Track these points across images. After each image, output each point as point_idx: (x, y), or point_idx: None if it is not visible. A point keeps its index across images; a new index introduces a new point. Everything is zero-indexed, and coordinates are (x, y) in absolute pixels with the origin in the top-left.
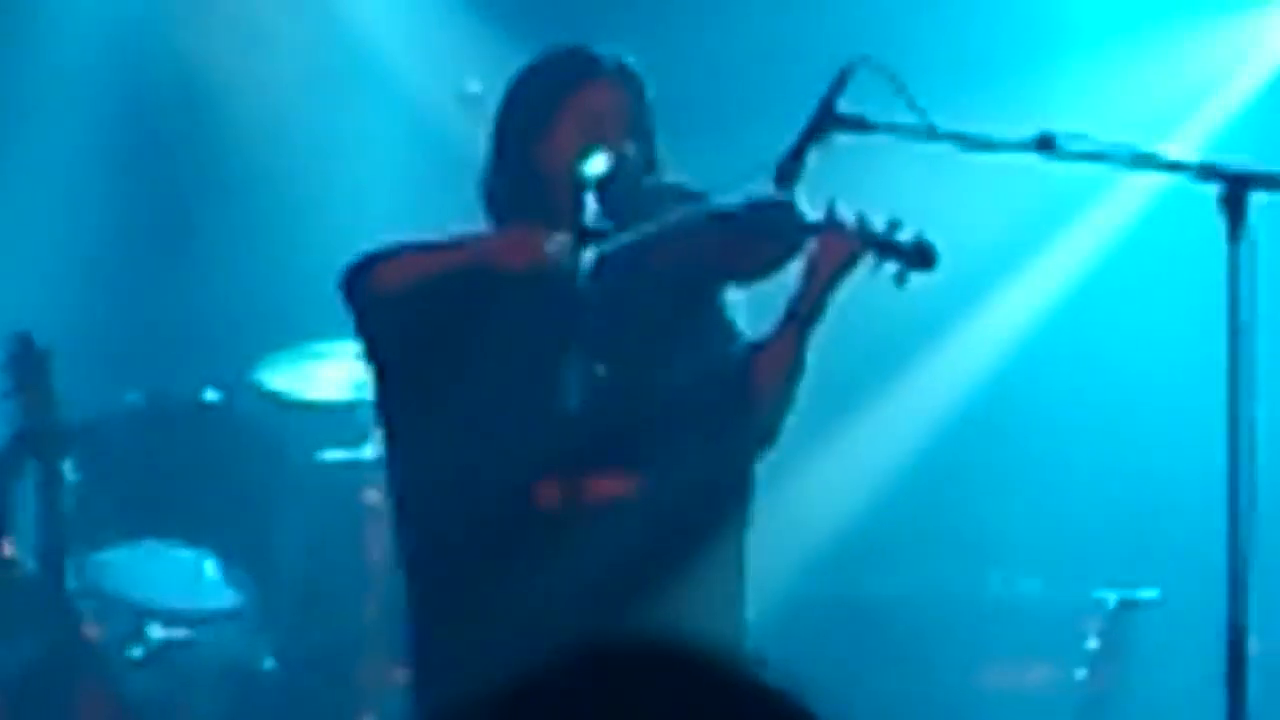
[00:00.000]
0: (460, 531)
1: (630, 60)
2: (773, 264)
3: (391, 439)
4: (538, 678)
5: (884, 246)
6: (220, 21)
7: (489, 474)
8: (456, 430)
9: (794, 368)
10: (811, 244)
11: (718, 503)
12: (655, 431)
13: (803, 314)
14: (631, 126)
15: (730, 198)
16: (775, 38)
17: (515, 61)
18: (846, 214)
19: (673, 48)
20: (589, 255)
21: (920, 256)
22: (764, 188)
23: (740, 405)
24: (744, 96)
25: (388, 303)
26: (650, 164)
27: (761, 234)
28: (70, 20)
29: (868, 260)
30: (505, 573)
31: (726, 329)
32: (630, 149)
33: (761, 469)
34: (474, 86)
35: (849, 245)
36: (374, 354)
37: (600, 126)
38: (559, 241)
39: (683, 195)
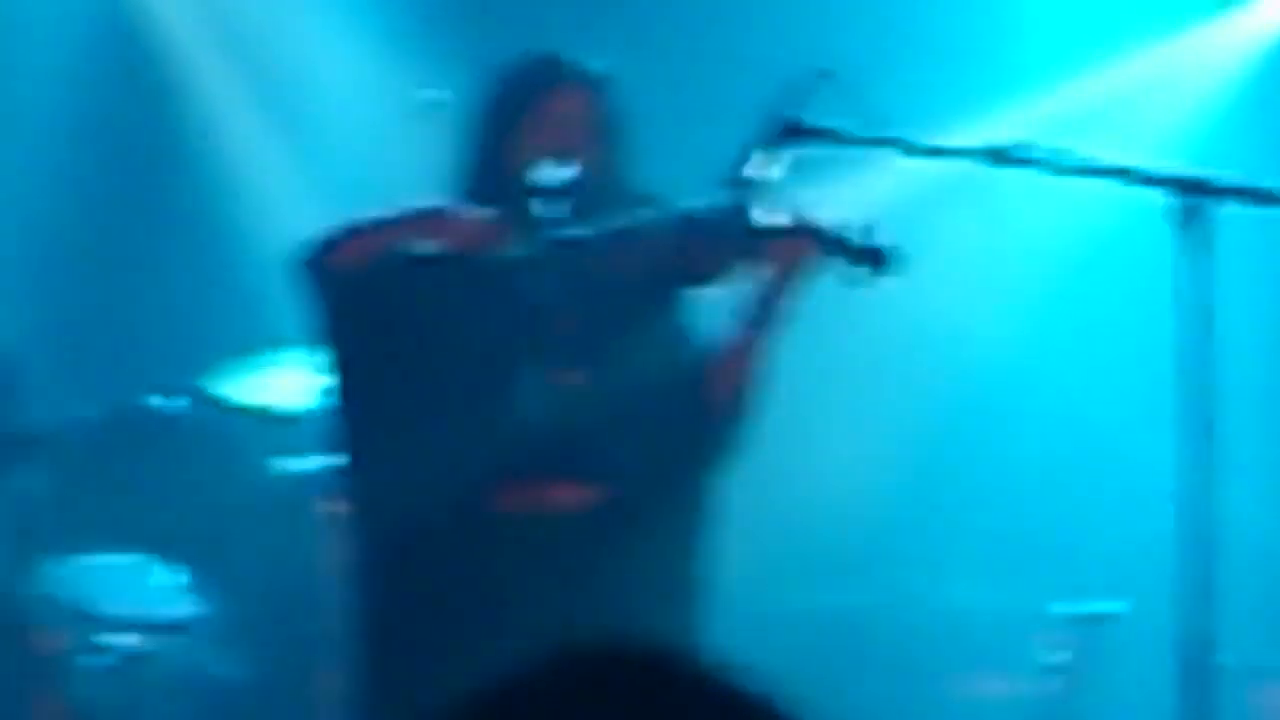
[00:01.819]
0: (416, 537)
1: (601, 68)
2: (727, 269)
3: (350, 442)
4: (513, 680)
5: (836, 248)
6: (178, 32)
7: (445, 480)
8: (413, 434)
9: (752, 375)
10: (767, 248)
11: (675, 512)
12: (610, 440)
13: (759, 319)
14: (598, 134)
15: (686, 204)
16: (733, 46)
17: (474, 68)
18: (800, 218)
19: (631, 55)
20: (540, 260)
21: (872, 258)
22: (718, 195)
23: (696, 414)
24: (699, 105)
25: (346, 283)
26: (616, 172)
27: (716, 239)
28: (25, 30)
29: (822, 263)
30: (459, 579)
31: (683, 336)
32: (592, 156)
33: (722, 483)
34: (431, 93)
35: (803, 249)
36: (334, 344)
37: (566, 132)
38: (493, 228)
39: (645, 203)
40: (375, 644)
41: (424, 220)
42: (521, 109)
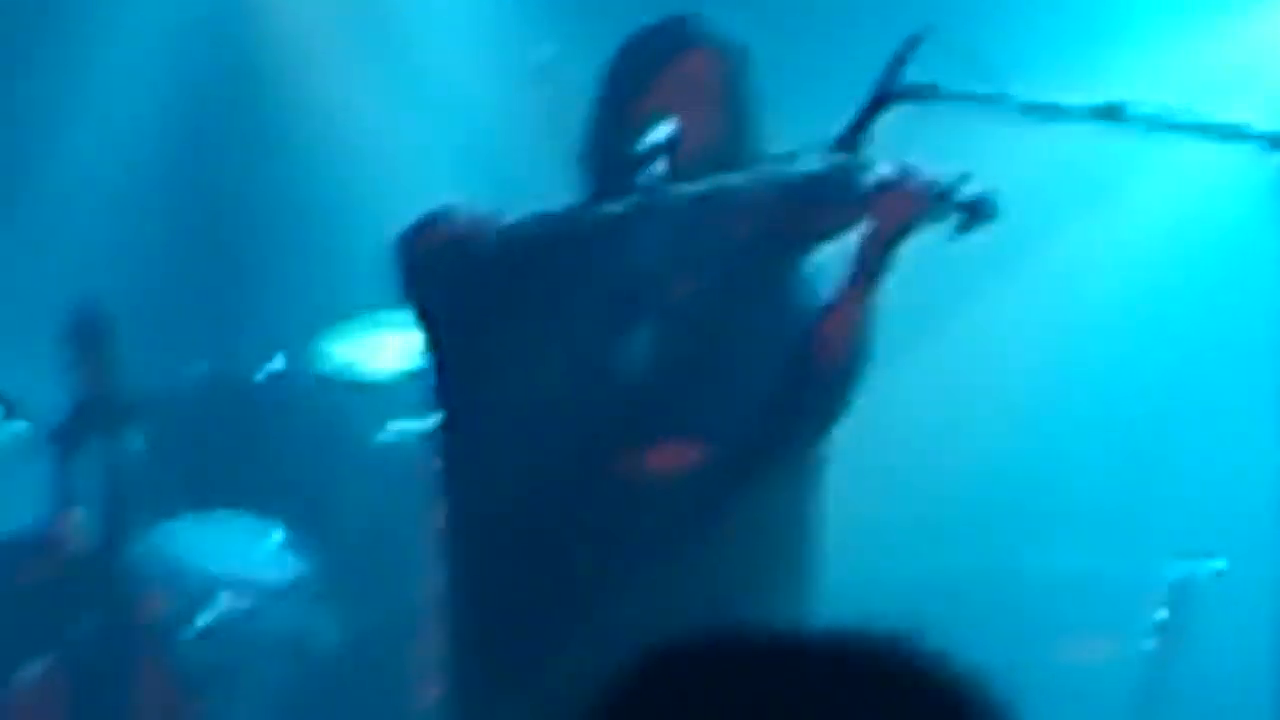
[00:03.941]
0: (520, 500)
1: (733, 30)
2: (837, 228)
3: (454, 406)
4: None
5: (941, 202)
6: None
7: (552, 442)
8: (519, 397)
9: (862, 327)
10: (874, 203)
11: (787, 471)
12: (721, 400)
13: (868, 271)
14: (727, 95)
15: (797, 165)
16: (844, 7)
17: (590, 29)
18: (907, 171)
19: (740, 17)
20: (650, 221)
21: (980, 211)
22: (827, 157)
23: (808, 370)
24: (806, 66)
25: (437, 269)
26: (743, 138)
27: (826, 199)
28: None
29: (928, 217)
30: (567, 541)
31: (794, 296)
32: (718, 120)
33: (827, 445)
34: (545, 54)
35: (915, 202)
36: (426, 319)
37: (691, 95)
38: (484, 225)
39: (763, 164)
40: (476, 608)
41: (423, 226)
42: (650, 70)
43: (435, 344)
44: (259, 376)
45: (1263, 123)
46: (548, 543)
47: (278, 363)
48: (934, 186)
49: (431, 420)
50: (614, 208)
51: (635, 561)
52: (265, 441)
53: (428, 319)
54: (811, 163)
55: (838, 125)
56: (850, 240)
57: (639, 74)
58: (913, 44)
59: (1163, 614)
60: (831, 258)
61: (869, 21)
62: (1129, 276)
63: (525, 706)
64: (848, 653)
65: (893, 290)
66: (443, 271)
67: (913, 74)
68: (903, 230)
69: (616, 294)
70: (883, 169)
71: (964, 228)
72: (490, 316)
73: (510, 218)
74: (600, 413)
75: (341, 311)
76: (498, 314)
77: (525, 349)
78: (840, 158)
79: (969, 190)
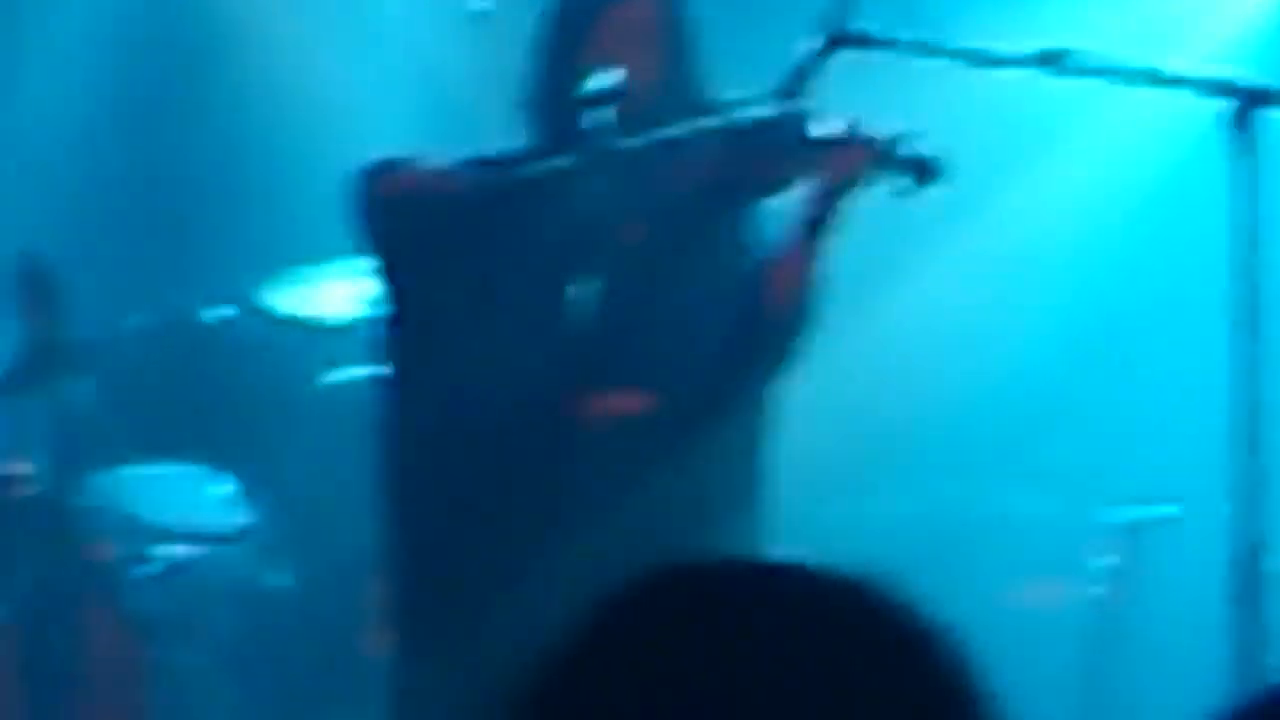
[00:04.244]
0: (468, 445)
1: None
2: (784, 179)
3: (403, 354)
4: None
5: (888, 159)
6: None
7: (500, 389)
8: (464, 347)
9: (809, 278)
10: (822, 158)
11: (731, 420)
12: (670, 348)
13: (815, 223)
14: (669, 40)
15: (743, 115)
16: None
17: None
18: (854, 128)
19: None
20: (598, 171)
21: (923, 170)
22: (773, 105)
23: (753, 321)
24: (749, 13)
25: (396, 208)
26: (685, 82)
27: (772, 149)
28: None
29: (874, 172)
30: (514, 486)
31: (741, 245)
32: (659, 65)
33: (777, 391)
34: (481, 4)
35: (859, 158)
36: (389, 262)
37: (636, 38)
38: (445, 177)
39: (712, 113)
40: (423, 554)
41: (381, 173)
42: (590, 16)
43: (392, 286)
44: (208, 323)
45: (1202, 69)
46: (496, 488)
47: (226, 309)
48: (881, 144)
49: (381, 365)
50: (563, 155)
51: (584, 507)
52: (214, 389)
53: (385, 260)
54: (758, 110)
55: (782, 70)
56: (799, 190)
57: (580, 20)
58: None
59: (1114, 559)
60: (781, 208)
61: None
62: (1074, 223)
63: (474, 651)
64: (800, 596)
65: (843, 240)
66: (398, 215)
67: (853, 23)
68: (848, 185)
69: (566, 242)
70: (829, 123)
71: (909, 187)
72: (441, 262)
73: (459, 157)
74: (549, 359)
75: (290, 257)
76: (448, 260)
77: (475, 295)
78: (786, 104)
79: (915, 148)
